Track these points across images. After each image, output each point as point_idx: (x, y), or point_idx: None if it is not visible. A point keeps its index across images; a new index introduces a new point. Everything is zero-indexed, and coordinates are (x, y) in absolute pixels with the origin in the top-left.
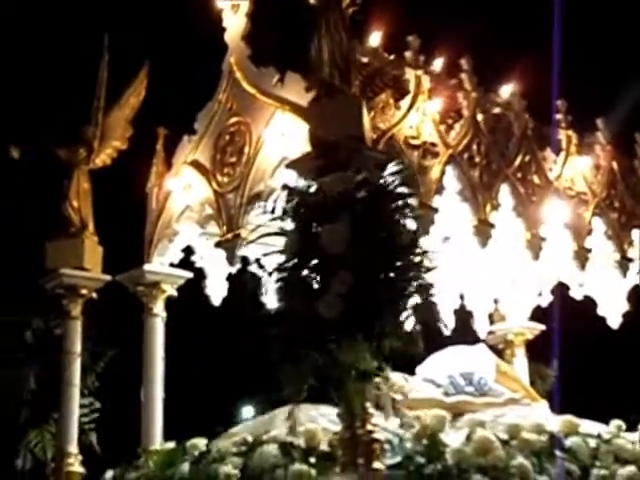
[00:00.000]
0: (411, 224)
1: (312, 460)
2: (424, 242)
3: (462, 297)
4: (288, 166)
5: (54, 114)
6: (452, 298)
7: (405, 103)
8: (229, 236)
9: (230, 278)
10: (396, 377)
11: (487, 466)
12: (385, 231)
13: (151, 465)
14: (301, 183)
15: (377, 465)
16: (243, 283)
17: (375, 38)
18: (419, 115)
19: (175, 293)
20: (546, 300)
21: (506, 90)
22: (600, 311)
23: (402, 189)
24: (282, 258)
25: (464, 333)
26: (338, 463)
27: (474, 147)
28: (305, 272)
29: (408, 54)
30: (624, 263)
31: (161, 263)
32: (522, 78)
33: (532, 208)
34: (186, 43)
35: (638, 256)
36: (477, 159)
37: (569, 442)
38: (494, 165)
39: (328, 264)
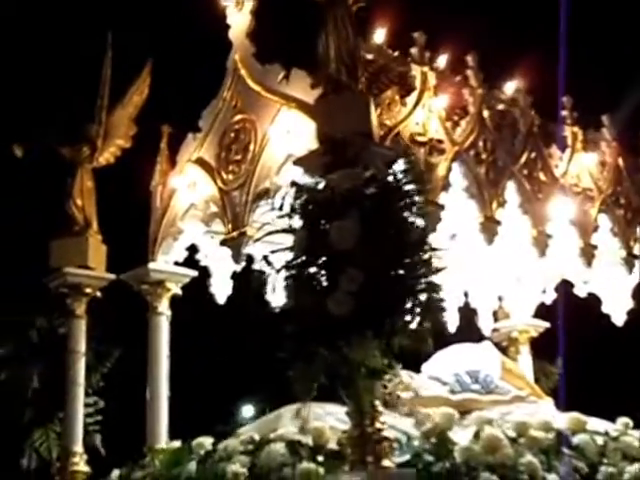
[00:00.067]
0: (419, 221)
1: (320, 459)
2: (431, 239)
3: (466, 295)
4: (295, 163)
5: (57, 112)
6: (456, 296)
7: (411, 100)
8: (234, 234)
9: (235, 276)
10: (402, 375)
11: (495, 464)
12: (394, 228)
13: (157, 464)
14: (307, 180)
15: (386, 463)
16: (248, 281)
17: (379, 35)
18: (425, 112)
19: (180, 292)
20: (550, 297)
21: (511, 87)
22: (604, 308)
23: (411, 186)
24: (289, 256)
25: (469, 331)
26: (347, 461)
27: (480, 144)
28: (314, 269)
29: (414, 50)
30: (630, 260)
31: (166, 261)
32: (528, 75)
33: (538, 205)
34: (190, 41)
35: None
36: (483, 156)
37: (576, 439)
38: (500, 162)
39: (337, 261)
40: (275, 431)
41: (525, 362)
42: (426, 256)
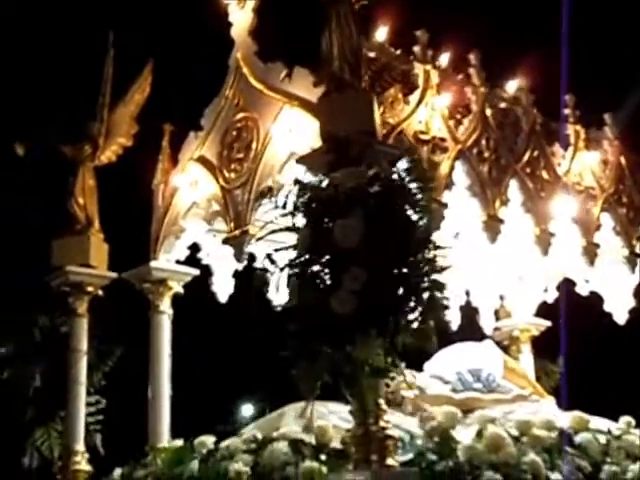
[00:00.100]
0: (423, 219)
1: (323, 457)
2: (435, 238)
3: (468, 293)
4: (298, 161)
5: (59, 111)
6: (458, 294)
7: (414, 98)
8: (237, 232)
9: (237, 275)
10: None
11: (499, 463)
12: (398, 226)
13: (159, 463)
14: (309, 178)
15: (390, 462)
16: (250, 280)
17: (381, 33)
18: (428, 110)
19: (182, 290)
20: (552, 296)
21: (514, 85)
22: (606, 307)
23: (415, 184)
24: (292, 254)
25: (470, 329)
26: (351, 460)
27: (483, 142)
28: (317, 268)
29: (416, 49)
30: (632, 259)
31: (167, 260)
32: (530, 73)
33: (541, 203)
34: (192, 39)
35: None
36: (486, 154)
37: (579, 438)
38: (503, 160)
39: (341, 260)
40: (278, 430)
41: (526, 361)
42: (430, 255)
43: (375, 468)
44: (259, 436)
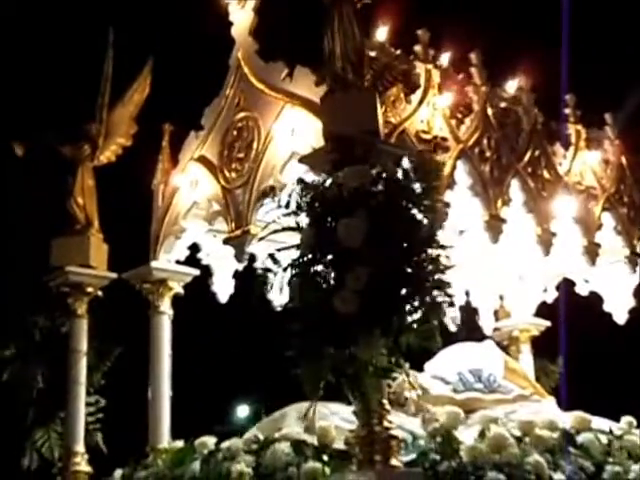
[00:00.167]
0: (427, 219)
1: (325, 458)
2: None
3: (467, 293)
4: (301, 161)
5: (58, 111)
6: (458, 294)
7: (416, 97)
8: (238, 232)
9: (237, 275)
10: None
11: (502, 463)
12: (402, 225)
13: (160, 464)
14: (312, 178)
15: (394, 462)
16: (251, 280)
17: (382, 32)
18: (430, 109)
19: (182, 291)
20: (551, 296)
21: (515, 85)
22: (606, 307)
23: (421, 183)
24: (294, 254)
25: (470, 330)
26: (354, 460)
27: (484, 142)
28: (321, 267)
29: (418, 48)
30: (633, 258)
31: (168, 260)
32: (531, 72)
33: (542, 203)
34: (192, 38)
35: None
36: (488, 154)
37: (581, 438)
38: (504, 160)
39: (344, 259)
40: (279, 430)
41: (526, 361)
42: (434, 254)
43: (379, 468)
44: (261, 437)
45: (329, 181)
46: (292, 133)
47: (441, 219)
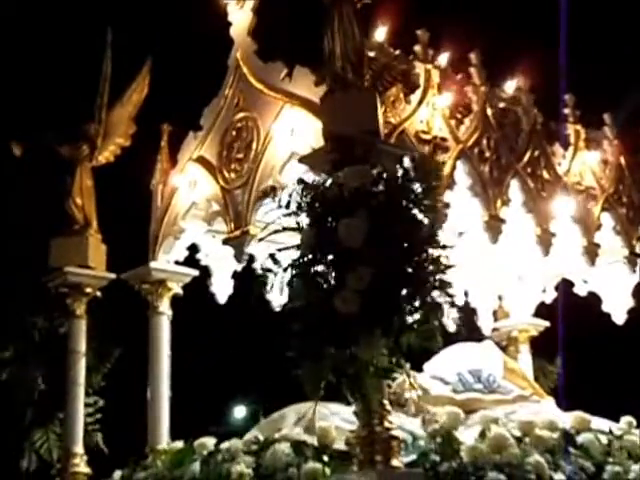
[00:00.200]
0: (427, 218)
1: (325, 459)
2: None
3: (466, 294)
4: (301, 161)
5: (56, 111)
6: (457, 295)
7: (415, 97)
8: (237, 233)
9: (236, 276)
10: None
11: (502, 463)
12: (402, 225)
13: (159, 465)
14: (311, 178)
15: (395, 463)
16: (250, 281)
17: (381, 33)
18: (429, 109)
19: (181, 291)
20: (550, 296)
21: (513, 85)
22: (605, 307)
23: (423, 183)
24: (293, 254)
25: (469, 330)
26: (355, 461)
27: (484, 142)
28: (321, 267)
29: (417, 48)
30: (632, 259)
31: (167, 261)
32: (530, 73)
33: (542, 203)
34: (190, 38)
35: None
36: (487, 154)
37: (581, 439)
38: (504, 160)
39: (345, 259)
40: (279, 431)
41: (525, 361)
42: (435, 254)
43: (380, 469)
44: (260, 437)
45: (329, 181)
46: (291, 133)
47: (441, 219)
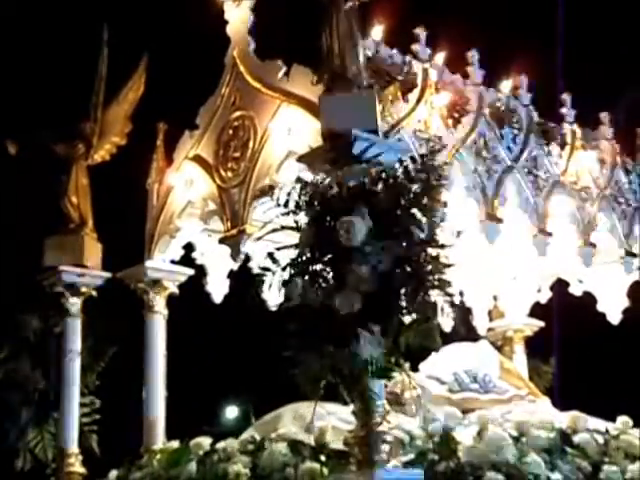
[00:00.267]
0: (426, 218)
1: (322, 458)
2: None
3: (462, 294)
4: (299, 159)
5: (52, 109)
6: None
7: (413, 96)
8: (234, 232)
9: (231, 275)
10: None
11: (500, 463)
12: (402, 224)
13: (155, 464)
14: (309, 177)
15: (393, 462)
16: (246, 280)
17: (378, 31)
18: (427, 108)
19: (176, 290)
20: (545, 296)
21: (511, 84)
22: (600, 307)
23: (424, 182)
24: (291, 253)
25: (464, 330)
26: (352, 461)
27: (481, 141)
28: (320, 266)
29: (415, 47)
30: (628, 259)
31: (162, 260)
32: (527, 72)
33: (539, 203)
34: (187, 36)
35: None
36: (484, 153)
37: (578, 438)
38: (500, 159)
39: (344, 258)
40: (276, 431)
41: (520, 361)
42: (434, 253)
43: (378, 469)
44: (257, 437)
45: (328, 180)
46: (288, 132)
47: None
